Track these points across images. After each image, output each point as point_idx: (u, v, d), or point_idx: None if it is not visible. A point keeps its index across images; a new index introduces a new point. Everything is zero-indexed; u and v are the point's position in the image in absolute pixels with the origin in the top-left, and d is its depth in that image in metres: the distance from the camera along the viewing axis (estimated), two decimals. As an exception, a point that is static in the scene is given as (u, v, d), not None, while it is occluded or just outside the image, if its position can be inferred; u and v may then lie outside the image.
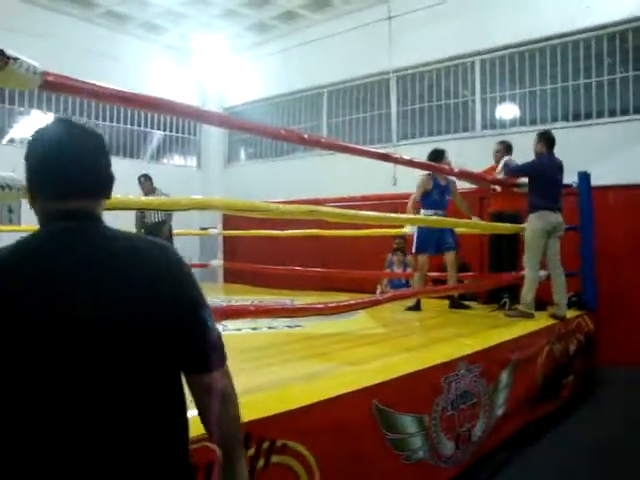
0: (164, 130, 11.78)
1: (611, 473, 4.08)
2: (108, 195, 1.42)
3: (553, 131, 5.86)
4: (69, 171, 1.31)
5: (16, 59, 2.07)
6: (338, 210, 4.37)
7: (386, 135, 9.85)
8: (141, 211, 7.70)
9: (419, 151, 6.62)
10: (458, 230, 6.17)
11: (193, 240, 10.93)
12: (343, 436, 2.76)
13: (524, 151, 6.04)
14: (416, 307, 6.07)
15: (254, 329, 4.64)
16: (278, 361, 3.44)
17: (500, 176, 5.89)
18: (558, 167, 5.57)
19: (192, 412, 1.43)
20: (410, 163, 4.90)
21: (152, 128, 11.55)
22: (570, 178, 5.97)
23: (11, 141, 9.51)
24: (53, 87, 2.47)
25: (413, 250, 6.20)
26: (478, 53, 8.78)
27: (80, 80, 2.51)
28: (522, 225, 5.81)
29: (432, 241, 6.02)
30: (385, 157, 4.92)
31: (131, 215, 7.91)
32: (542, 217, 5.41)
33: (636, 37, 7.45)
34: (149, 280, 1.32)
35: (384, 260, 7.78)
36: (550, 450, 4.43)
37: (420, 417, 3.28)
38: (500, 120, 8.76)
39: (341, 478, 2.73)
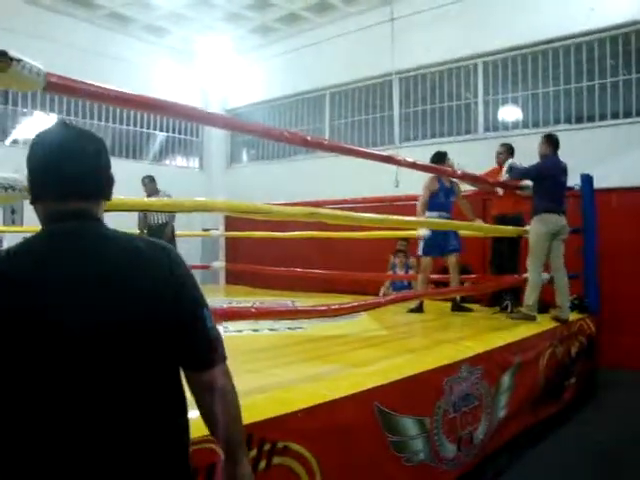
0: (166, 131, 11.79)
1: (613, 475, 4.08)
2: (108, 196, 1.43)
3: (556, 133, 5.86)
4: (69, 173, 1.33)
5: (19, 60, 2.08)
6: (340, 212, 4.37)
7: (388, 137, 9.85)
8: (144, 212, 7.71)
9: (422, 153, 6.63)
10: (461, 232, 6.17)
11: (195, 241, 10.93)
12: (345, 438, 2.76)
13: (526, 153, 6.05)
14: (418, 309, 6.07)
15: (255, 331, 4.64)
16: (279, 363, 3.44)
17: (505, 178, 5.88)
18: (562, 169, 5.57)
19: (193, 413, 1.43)
20: (413, 165, 4.90)
21: (155, 129, 11.56)
22: (573, 180, 5.96)
23: (14, 142, 9.52)
24: (56, 88, 2.47)
25: (419, 252, 6.19)
26: (481, 55, 8.78)
27: (83, 82, 2.51)
28: (525, 228, 5.81)
29: (438, 243, 6.02)
30: (388, 159, 4.92)
31: (133, 216, 7.91)
32: (547, 220, 5.40)
33: (639, 40, 7.45)
34: (152, 281, 1.32)
35: (387, 262, 7.78)
36: (552, 452, 4.42)
37: (421, 419, 3.28)
38: (503, 122, 8.76)
39: (342, 480, 2.73)
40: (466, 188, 6.49)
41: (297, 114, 11.29)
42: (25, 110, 9.70)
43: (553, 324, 5.38)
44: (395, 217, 4.67)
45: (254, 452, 2.28)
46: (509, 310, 5.84)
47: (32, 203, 1.38)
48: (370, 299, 5.02)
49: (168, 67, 11.36)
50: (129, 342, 1.27)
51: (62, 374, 1.22)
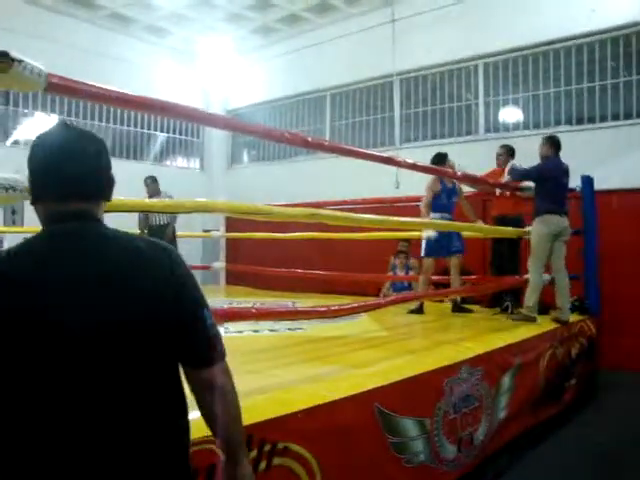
0: (167, 132, 11.79)
1: (613, 477, 4.08)
2: (108, 197, 1.44)
3: (556, 135, 5.86)
4: (70, 174, 1.34)
5: (21, 61, 2.08)
6: (340, 213, 4.37)
7: (389, 138, 9.85)
8: (145, 213, 7.72)
9: (422, 154, 6.63)
10: (462, 233, 6.17)
11: (196, 242, 10.93)
12: (345, 439, 2.76)
13: (527, 155, 6.05)
14: (419, 310, 6.07)
15: (256, 331, 4.64)
16: (280, 364, 3.44)
17: (506, 179, 5.88)
18: (564, 171, 5.57)
19: (193, 414, 1.44)
20: (413, 167, 4.90)
21: (155, 130, 11.57)
22: (573, 182, 5.96)
23: (15, 143, 9.52)
24: (57, 89, 2.48)
25: (422, 253, 6.17)
26: (481, 56, 8.78)
27: (84, 82, 2.52)
28: (526, 229, 5.82)
29: (441, 245, 6.01)
30: (388, 160, 4.92)
31: (134, 217, 7.92)
32: (549, 221, 5.40)
33: (640, 41, 7.46)
34: (152, 281, 1.33)
35: (387, 263, 7.77)
36: (552, 453, 4.42)
37: (421, 420, 3.28)
38: (503, 123, 8.76)
39: (342, 481, 2.73)
40: (466, 189, 6.49)
41: (298, 115, 11.29)
42: (26, 111, 9.70)
43: (553, 325, 5.38)
44: (395, 218, 4.67)
45: (254, 453, 2.28)
46: (509, 311, 5.84)
47: (33, 203, 1.39)
48: (370, 300, 5.02)
49: (169, 68, 11.37)
50: (129, 342, 1.27)
51: (62, 374, 1.22)
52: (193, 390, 1.42)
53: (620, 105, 7.61)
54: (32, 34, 8.63)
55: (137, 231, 7.65)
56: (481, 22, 8.53)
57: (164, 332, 1.33)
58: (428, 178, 6.11)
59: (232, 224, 9.45)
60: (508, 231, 5.89)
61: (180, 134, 12.05)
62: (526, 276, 5.61)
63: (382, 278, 7.89)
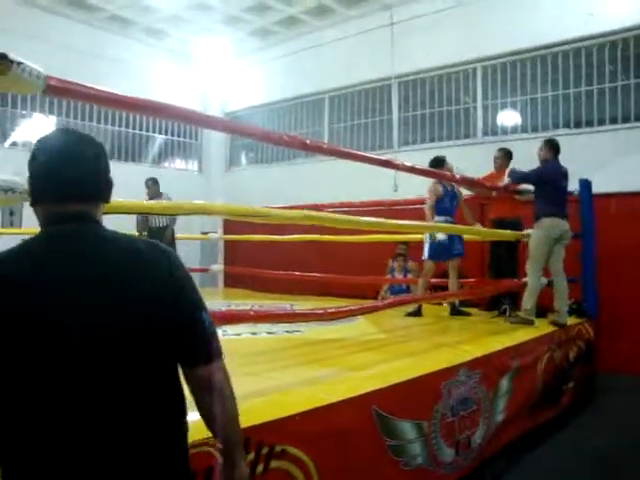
0: (166, 134, 11.79)
1: (611, 480, 4.08)
2: (107, 199, 1.45)
3: (555, 138, 5.87)
4: (69, 176, 1.35)
5: (19, 63, 2.08)
6: (337, 216, 4.38)
7: (387, 141, 9.86)
8: (144, 215, 7.72)
9: (420, 157, 6.63)
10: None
11: (194, 244, 10.93)
12: (342, 442, 2.76)
13: (525, 158, 6.05)
14: (417, 313, 6.07)
15: (254, 334, 4.64)
16: (278, 366, 3.44)
17: (506, 182, 5.87)
18: (563, 174, 5.59)
19: (192, 416, 1.44)
20: (411, 169, 4.90)
21: (154, 132, 11.56)
22: (571, 185, 5.97)
23: (14, 144, 9.52)
24: (56, 91, 2.47)
25: (425, 256, 6.15)
26: (480, 60, 8.79)
27: (83, 85, 2.51)
28: (524, 232, 5.82)
29: (445, 248, 6.01)
30: (386, 163, 4.92)
31: (132, 218, 7.92)
32: (549, 224, 5.41)
33: (638, 45, 7.46)
34: (151, 283, 1.34)
35: (385, 266, 7.77)
36: (550, 457, 4.42)
37: (419, 423, 3.28)
38: (501, 127, 8.77)
39: (340, 484, 2.73)
40: (464, 192, 6.49)
41: (296, 117, 11.29)
42: (24, 112, 9.69)
43: (551, 328, 5.38)
44: (393, 221, 4.67)
45: (252, 455, 2.28)
46: (507, 314, 5.84)
47: (32, 205, 1.40)
48: (368, 303, 5.02)
49: (167, 69, 11.36)
50: (128, 344, 1.28)
51: (61, 375, 1.22)
52: (191, 389, 1.43)
53: (618, 109, 7.62)
54: (26, 34, 8.62)
55: (135, 233, 7.65)
56: (479, 25, 8.54)
57: (162, 334, 1.34)
58: (426, 181, 6.11)
59: (230, 226, 9.45)
60: (507, 234, 5.90)
61: (178, 136, 12.05)
62: (524, 279, 5.61)
63: (380, 281, 7.89)
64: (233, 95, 12.14)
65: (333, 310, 3.91)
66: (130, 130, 11.13)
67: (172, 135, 11.92)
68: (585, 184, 6.24)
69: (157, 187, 8.08)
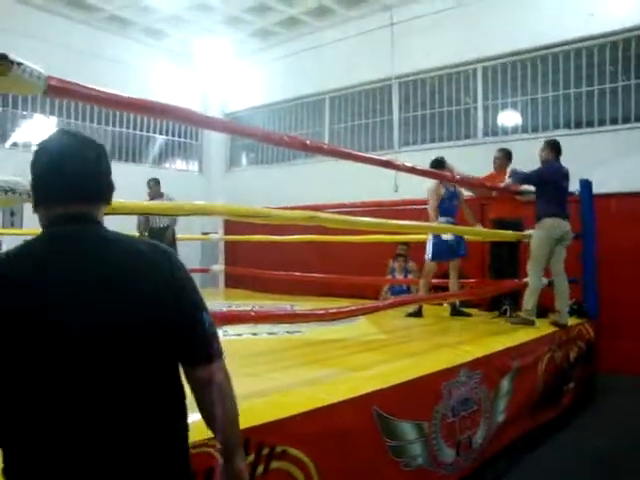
0: (166, 135, 11.78)
1: (612, 480, 4.08)
2: (108, 200, 1.46)
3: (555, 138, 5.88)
4: (70, 177, 1.36)
5: (20, 64, 2.08)
6: (338, 216, 4.38)
7: (388, 141, 9.85)
8: (145, 215, 7.73)
9: (421, 158, 6.64)
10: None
11: (194, 245, 10.93)
12: (343, 442, 2.75)
13: (525, 159, 6.05)
14: (417, 313, 6.07)
15: (254, 334, 4.64)
16: (278, 367, 3.44)
17: (507, 183, 5.87)
18: (564, 175, 5.59)
19: (192, 417, 1.44)
20: (411, 170, 4.90)
21: (154, 133, 11.56)
22: (572, 186, 5.97)
23: (14, 145, 9.51)
24: (56, 92, 2.47)
25: (429, 257, 6.14)
26: (480, 60, 8.79)
27: (83, 85, 2.51)
28: (525, 232, 5.82)
29: (449, 248, 6.01)
30: (387, 164, 4.92)
31: (133, 219, 7.92)
32: (550, 224, 5.41)
33: (638, 45, 7.46)
34: (153, 284, 1.34)
35: (386, 266, 7.77)
36: (551, 457, 4.42)
37: (420, 424, 3.28)
38: (502, 127, 8.77)
39: (340, 484, 2.73)
40: (465, 193, 6.49)
41: (297, 118, 11.29)
42: (25, 113, 9.69)
43: (552, 329, 5.38)
44: (393, 221, 4.67)
45: (252, 456, 2.28)
46: (508, 315, 5.84)
47: (34, 207, 1.41)
48: (368, 303, 5.02)
49: (167, 70, 11.35)
50: (130, 345, 1.28)
51: (60, 376, 1.22)
52: (192, 389, 1.44)
53: (619, 109, 7.62)
54: (25, 34, 8.61)
55: (136, 234, 7.65)
56: (480, 26, 8.54)
57: (164, 335, 1.34)
58: (427, 182, 6.11)
59: (230, 227, 9.46)
60: (508, 234, 5.90)
61: (179, 137, 12.04)
62: (525, 279, 5.61)
63: (380, 281, 7.89)
64: (233, 96, 12.14)
65: (334, 311, 3.91)
66: (130, 131, 11.12)
67: (172, 136, 11.91)
68: (585, 184, 6.24)
69: (158, 187, 8.10)
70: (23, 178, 2.07)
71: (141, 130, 11.30)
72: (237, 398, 1.47)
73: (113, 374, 1.26)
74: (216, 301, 7.30)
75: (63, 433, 1.22)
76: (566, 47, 7.99)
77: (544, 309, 5.73)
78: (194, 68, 11.79)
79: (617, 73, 7.65)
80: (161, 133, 11.66)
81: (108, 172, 1.45)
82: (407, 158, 6.42)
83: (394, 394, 3.12)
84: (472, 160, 7.32)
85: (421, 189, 6.35)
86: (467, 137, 9.02)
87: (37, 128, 9.60)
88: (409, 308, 6.05)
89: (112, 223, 1.47)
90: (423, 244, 6.21)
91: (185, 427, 1.42)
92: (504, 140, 8.10)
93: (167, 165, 11.90)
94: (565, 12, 7.83)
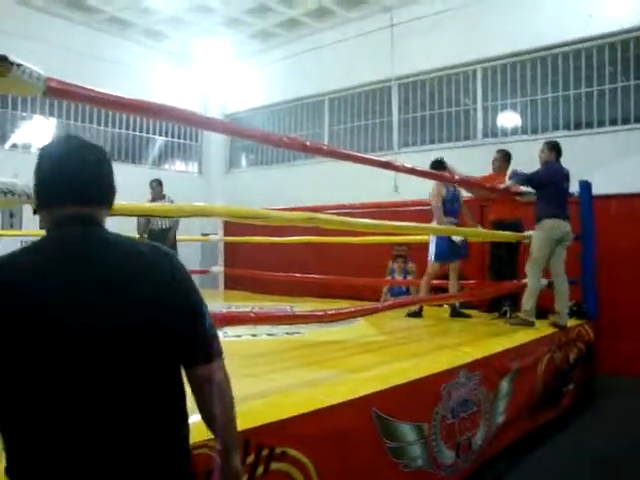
0: (166, 136, 11.79)
1: (611, 482, 4.08)
2: (110, 203, 1.47)
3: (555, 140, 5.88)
4: (71, 181, 1.38)
5: (19, 65, 2.08)
6: (337, 217, 4.38)
7: (387, 143, 9.86)
8: (145, 217, 7.73)
9: (420, 159, 6.64)
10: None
11: (194, 246, 10.93)
12: (342, 444, 2.75)
13: (525, 160, 6.05)
14: (418, 313, 6.08)
15: (254, 336, 4.64)
16: (277, 368, 3.44)
17: (508, 184, 5.87)
18: (565, 176, 5.59)
19: (192, 418, 1.44)
20: (411, 171, 4.90)
21: (154, 134, 11.57)
22: (571, 187, 5.97)
23: (14, 146, 9.51)
24: (56, 93, 2.48)
25: (432, 258, 6.13)
26: (480, 61, 8.80)
27: (83, 86, 2.51)
28: (525, 234, 5.82)
29: (454, 250, 6.01)
30: (386, 165, 4.92)
31: (132, 220, 7.92)
32: (551, 225, 5.41)
33: (638, 46, 7.48)
34: (154, 286, 1.35)
35: (385, 267, 7.76)
36: (551, 458, 4.41)
37: (419, 425, 3.28)
38: (501, 128, 8.78)
39: (340, 486, 2.72)
40: (463, 194, 6.49)
41: (296, 119, 11.30)
42: (24, 114, 9.70)
43: (551, 330, 5.38)
44: (391, 223, 4.68)
45: (252, 457, 2.28)
46: (508, 316, 5.83)
47: (37, 209, 1.42)
48: (368, 304, 5.02)
49: (167, 71, 11.36)
50: (131, 346, 1.29)
51: (62, 376, 1.23)
52: (192, 388, 1.45)
53: (618, 110, 7.63)
54: (25, 36, 8.63)
55: (136, 235, 7.65)
56: (479, 27, 8.55)
57: (165, 336, 1.35)
58: (426, 183, 6.10)
59: (230, 228, 9.46)
60: (506, 235, 5.90)
61: (178, 138, 12.05)
62: (524, 280, 5.61)
63: (380, 282, 7.89)
64: (233, 97, 12.15)
65: (333, 312, 3.90)
66: (130, 132, 11.13)
67: (172, 137, 11.92)
68: (585, 185, 6.24)
69: (161, 188, 8.11)
70: (21, 179, 2.08)
71: (141, 131, 11.31)
72: (236, 399, 1.48)
73: (113, 375, 1.26)
74: (216, 302, 7.30)
75: (64, 433, 1.22)
76: (565, 48, 8.00)
77: (544, 310, 5.73)
78: (194, 69, 11.80)
79: (616, 74, 7.67)
80: (161, 134, 11.67)
81: (110, 175, 1.46)
82: (407, 159, 6.44)
83: (394, 395, 3.12)
84: (471, 161, 7.33)
85: (420, 190, 6.36)
86: (467, 138, 9.03)
87: (37, 129, 9.61)
88: (409, 308, 6.04)
89: (111, 224, 1.48)
90: (424, 245, 6.21)
91: (186, 427, 1.43)
92: (504, 141, 8.11)
93: (167, 166, 11.91)
94: (564, 13, 7.84)
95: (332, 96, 10.68)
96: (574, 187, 6.11)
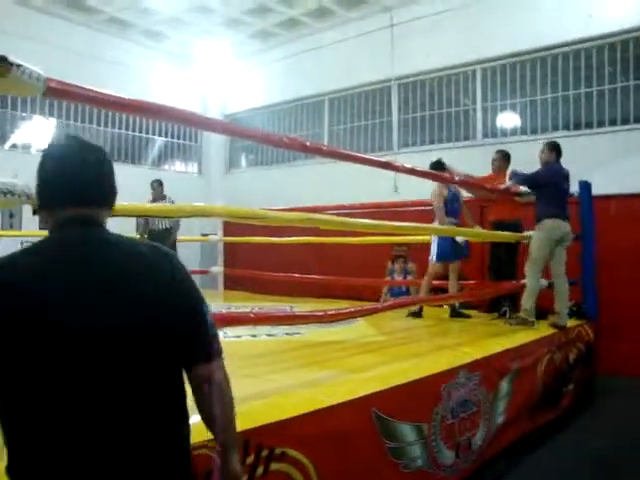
0: (165, 136, 11.79)
1: (611, 482, 4.08)
2: (111, 203, 1.48)
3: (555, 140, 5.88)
4: (72, 182, 1.38)
5: (19, 66, 2.08)
6: (336, 218, 4.38)
7: (387, 143, 9.86)
8: (145, 217, 7.74)
9: (420, 159, 6.63)
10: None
11: (194, 246, 10.92)
12: (342, 444, 2.75)
13: (525, 160, 6.05)
14: (418, 313, 6.08)
15: (253, 336, 4.64)
16: (277, 368, 3.44)
17: (508, 184, 5.86)
18: (565, 176, 5.60)
19: (192, 419, 1.44)
20: (411, 171, 4.90)
21: (153, 134, 11.56)
22: (571, 187, 5.97)
23: (13, 146, 9.51)
24: (56, 94, 2.48)
25: (434, 258, 6.13)
26: (479, 62, 8.80)
27: (83, 87, 2.52)
28: (524, 234, 5.82)
29: (455, 250, 6.01)
30: (386, 165, 4.92)
31: (132, 220, 7.92)
32: (551, 225, 5.41)
33: (637, 47, 7.47)
34: (154, 286, 1.36)
35: (385, 268, 7.76)
36: (550, 459, 4.41)
37: (419, 425, 3.28)
38: (501, 129, 8.77)
39: (340, 486, 2.72)
40: (463, 194, 6.49)
41: (296, 119, 11.30)
42: (24, 114, 9.69)
43: (551, 330, 5.38)
44: (390, 223, 4.68)
45: (252, 458, 2.28)
46: (507, 316, 5.83)
47: (39, 210, 1.43)
48: (368, 305, 5.02)
49: (166, 72, 11.36)
50: (131, 347, 1.29)
51: (62, 376, 1.23)
52: (192, 388, 1.45)
53: (618, 110, 7.63)
54: (25, 36, 8.63)
55: (136, 235, 7.65)
56: (479, 27, 8.55)
57: (165, 336, 1.35)
58: (426, 183, 6.10)
59: (230, 228, 9.45)
60: (505, 236, 5.90)
61: (178, 138, 12.05)
62: (523, 281, 5.61)
63: (380, 283, 7.89)
64: (233, 97, 12.14)
65: (333, 312, 3.91)
66: (130, 132, 11.13)
67: (172, 137, 11.92)
68: (585, 186, 6.24)
69: (162, 189, 8.14)
70: (20, 179, 2.08)
71: (140, 132, 11.31)
72: (236, 400, 1.49)
73: (114, 375, 1.26)
74: (215, 303, 7.29)
75: (65, 433, 1.23)
76: (565, 48, 8.00)
77: (544, 311, 5.73)
78: (194, 70, 11.80)
79: (616, 74, 7.66)
80: (160, 135, 11.67)
81: (111, 176, 1.47)
82: (406, 159, 6.44)
83: (393, 396, 3.12)
84: (471, 161, 7.32)
85: (420, 190, 6.36)
86: (466, 138, 9.03)
87: (36, 130, 9.60)
88: (409, 308, 6.04)
89: (111, 225, 1.48)
90: (424, 245, 6.21)
91: (187, 427, 1.43)
92: (503, 142, 8.11)
93: (166, 167, 11.90)
94: (564, 14, 7.84)
95: (332, 96, 10.68)
96: (574, 187, 6.12)
